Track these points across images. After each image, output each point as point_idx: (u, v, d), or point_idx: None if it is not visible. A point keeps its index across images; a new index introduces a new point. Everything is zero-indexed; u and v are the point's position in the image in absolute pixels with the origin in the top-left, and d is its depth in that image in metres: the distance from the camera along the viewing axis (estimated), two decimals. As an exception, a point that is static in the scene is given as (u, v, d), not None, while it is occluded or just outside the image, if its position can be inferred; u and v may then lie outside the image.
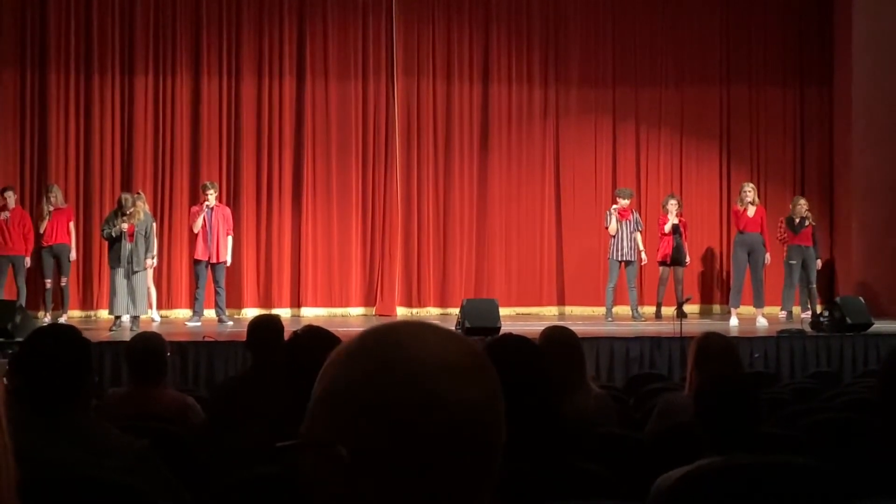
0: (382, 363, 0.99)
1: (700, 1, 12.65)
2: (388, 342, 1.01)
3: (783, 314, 10.97)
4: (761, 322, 10.47)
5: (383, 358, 1.00)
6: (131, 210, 9.75)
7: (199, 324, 10.22)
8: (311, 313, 11.58)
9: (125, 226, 9.67)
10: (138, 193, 10.25)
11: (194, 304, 10.64)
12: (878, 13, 11.74)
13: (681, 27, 12.61)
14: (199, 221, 10.37)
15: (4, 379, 2.56)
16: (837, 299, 9.92)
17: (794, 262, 10.88)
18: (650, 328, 9.90)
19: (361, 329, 1.07)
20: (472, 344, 1.05)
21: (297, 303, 11.86)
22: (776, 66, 12.74)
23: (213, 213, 10.42)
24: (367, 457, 0.98)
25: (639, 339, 8.81)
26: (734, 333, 9.28)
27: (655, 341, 8.74)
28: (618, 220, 10.98)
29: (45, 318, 10.36)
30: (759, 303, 10.75)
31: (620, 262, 11.08)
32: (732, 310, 10.94)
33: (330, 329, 3.26)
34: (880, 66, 11.71)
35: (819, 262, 11.20)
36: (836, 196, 12.53)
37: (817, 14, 12.61)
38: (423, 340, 1.01)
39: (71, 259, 10.79)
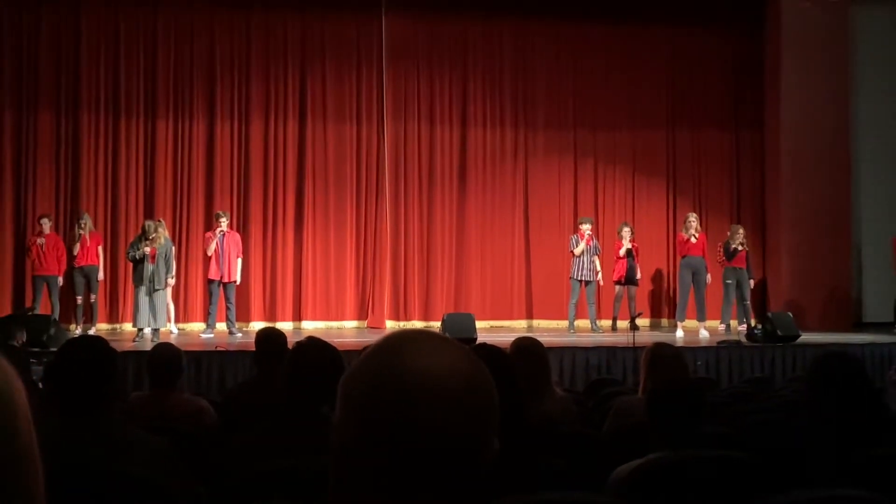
0: (378, 366, 0.95)
1: (649, 57, 12.73)
2: (390, 349, 0.96)
3: (722, 327, 10.99)
4: (703, 334, 10.49)
5: (381, 361, 0.95)
6: (153, 235, 9.70)
7: (212, 336, 10.15)
8: (311, 326, 11.53)
9: (148, 249, 9.62)
10: (159, 221, 10.19)
11: (208, 318, 10.57)
12: (802, 70, 11.87)
13: (632, 79, 12.68)
14: (213, 245, 10.32)
15: (41, 384, 2.54)
16: (769, 314, 9.96)
17: (729, 281, 10.92)
18: (607, 339, 9.91)
19: (354, 339, 1.04)
20: (473, 359, 0.98)
21: (298, 316, 11.81)
22: (715, 114, 12.84)
23: (225, 238, 10.38)
24: (355, 452, 0.93)
25: (597, 349, 8.81)
26: (680, 344, 9.29)
27: (611, 351, 8.74)
28: (584, 244, 11.06)
29: (77, 331, 10.27)
30: (701, 317, 10.78)
31: (581, 281, 11.11)
32: (678, 323, 10.96)
33: (327, 339, 3.24)
34: (805, 115, 11.83)
35: (752, 282, 11.26)
36: (768, 224, 12.60)
37: (751, 70, 12.71)
38: (423, 350, 0.95)
39: (99, 279, 10.71)
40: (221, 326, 10.55)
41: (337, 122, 12.11)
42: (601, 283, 11.37)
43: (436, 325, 10.75)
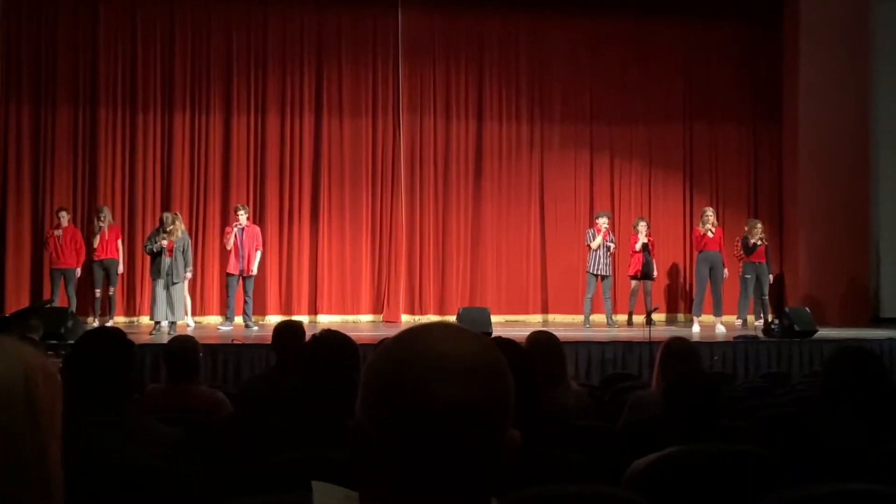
0: (394, 351, 0.97)
1: (666, 51, 12.68)
2: (406, 336, 0.98)
3: (739, 322, 10.95)
4: (720, 329, 10.45)
5: (396, 347, 0.97)
6: (171, 228, 9.75)
7: (229, 329, 10.20)
8: (327, 319, 11.55)
9: (165, 242, 9.67)
10: (177, 214, 10.24)
11: (225, 311, 10.62)
12: (821, 64, 11.78)
13: (649, 73, 12.63)
14: (231, 239, 10.37)
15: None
16: (787, 309, 9.90)
17: (748, 276, 10.88)
18: (622, 334, 9.88)
19: (370, 333, 1.04)
20: (486, 342, 0.98)
21: (314, 310, 11.84)
22: (732, 107, 12.76)
23: (244, 232, 10.41)
24: (375, 437, 0.94)
25: (613, 344, 8.80)
26: (696, 339, 9.28)
27: (627, 345, 8.73)
28: (601, 238, 11.03)
29: (94, 324, 10.33)
30: (718, 312, 10.73)
31: (597, 275, 11.08)
32: (695, 318, 10.93)
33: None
34: (824, 108, 11.74)
35: (771, 277, 11.20)
36: (785, 219, 12.53)
37: (769, 64, 12.64)
38: (436, 335, 0.97)
39: (119, 272, 10.76)
40: (238, 320, 10.59)
41: (353, 117, 12.12)
42: (612, 247, 11.24)
43: (451, 319, 10.75)
